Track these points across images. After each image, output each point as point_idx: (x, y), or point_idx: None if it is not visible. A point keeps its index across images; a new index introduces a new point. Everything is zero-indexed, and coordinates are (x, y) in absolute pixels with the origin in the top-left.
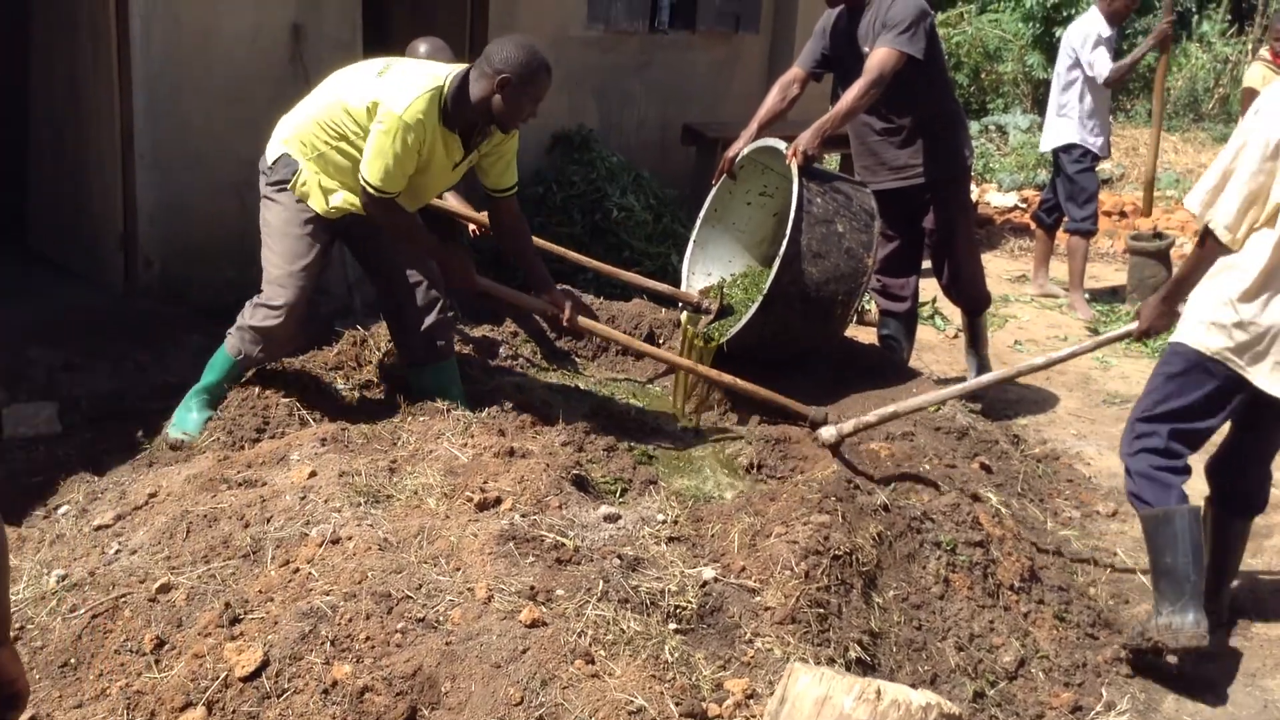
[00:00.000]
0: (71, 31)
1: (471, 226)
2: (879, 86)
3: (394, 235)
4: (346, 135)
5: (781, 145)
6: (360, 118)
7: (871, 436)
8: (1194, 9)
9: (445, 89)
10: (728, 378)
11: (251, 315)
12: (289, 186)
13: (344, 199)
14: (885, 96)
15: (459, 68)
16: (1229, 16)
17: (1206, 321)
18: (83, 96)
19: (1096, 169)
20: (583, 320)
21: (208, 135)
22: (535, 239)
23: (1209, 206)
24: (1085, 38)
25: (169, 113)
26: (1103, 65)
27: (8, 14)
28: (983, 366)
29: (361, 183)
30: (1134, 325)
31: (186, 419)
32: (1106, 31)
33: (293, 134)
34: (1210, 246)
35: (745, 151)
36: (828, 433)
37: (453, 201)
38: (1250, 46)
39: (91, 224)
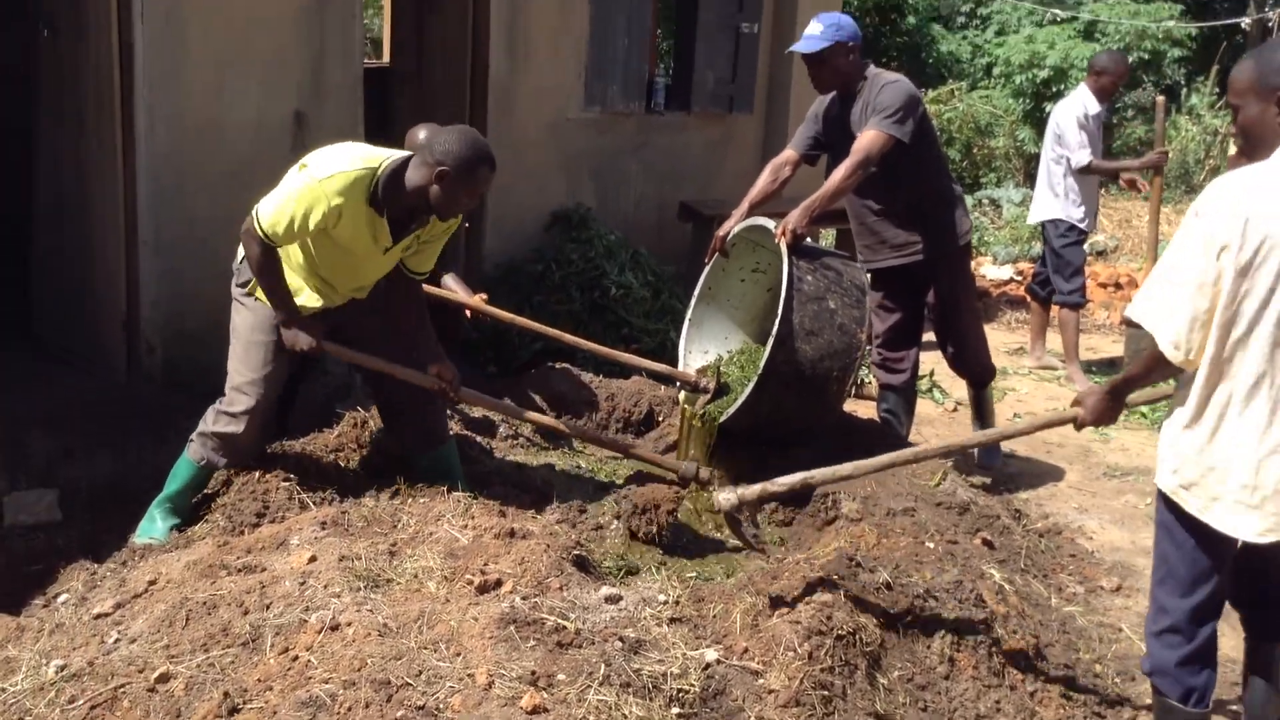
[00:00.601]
0: (77, 122)
1: (467, 310)
2: (865, 168)
3: (251, 268)
4: None
5: (771, 224)
6: None
7: (872, 513)
8: (1183, 82)
9: (379, 172)
10: (597, 436)
11: (213, 422)
12: (248, 289)
13: (307, 298)
14: (881, 178)
15: (399, 154)
16: (1216, 89)
17: (1163, 457)
18: (88, 185)
19: (1085, 242)
20: (466, 393)
21: (211, 221)
22: (532, 322)
23: (1154, 316)
24: (1070, 120)
25: (172, 200)
26: (1082, 154)
27: (12, 104)
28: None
29: (253, 212)
30: (1077, 411)
31: (151, 528)
32: (1095, 108)
33: None
34: (1156, 357)
35: (736, 230)
36: (725, 498)
37: (450, 283)
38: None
39: (94, 310)
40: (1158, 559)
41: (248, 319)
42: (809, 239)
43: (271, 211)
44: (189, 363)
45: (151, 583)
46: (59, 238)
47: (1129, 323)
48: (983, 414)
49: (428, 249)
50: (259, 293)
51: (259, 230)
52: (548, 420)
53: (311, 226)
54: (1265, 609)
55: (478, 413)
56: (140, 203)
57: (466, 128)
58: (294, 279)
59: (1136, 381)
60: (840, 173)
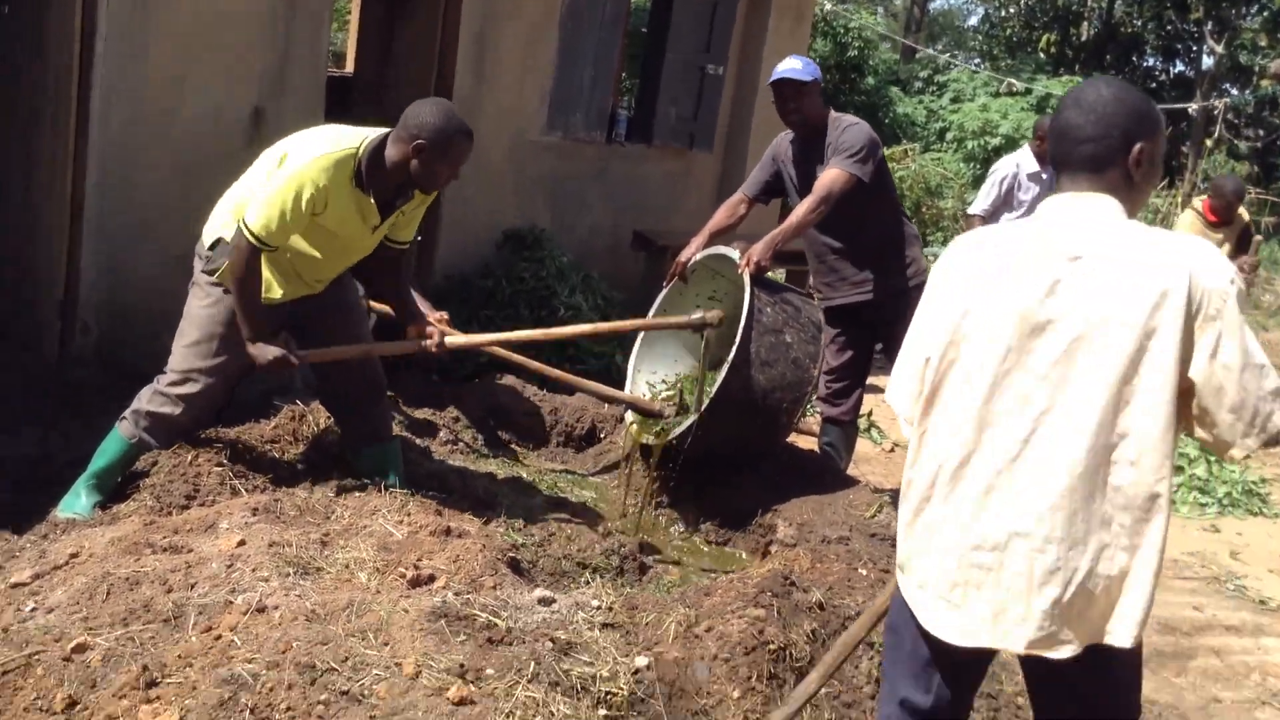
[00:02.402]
0: (29, 100)
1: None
2: (827, 204)
3: (231, 286)
4: None
5: (734, 253)
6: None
7: (807, 539)
8: None
9: (360, 152)
10: (556, 372)
11: (148, 400)
12: (217, 276)
13: (272, 286)
14: (840, 217)
15: (378, 131)
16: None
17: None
18: (35, 161)
19: None
20: (451, 341)
21: (159, 208)
22: (508, 352)
23: (890, 389)
24: (995, 172)
25: (121, 184)
26: (977, 204)
27: None
28: None
29: (239, 223)
30: None
31: (75, 503)
32: (1031, 167)
33: (228, 216)
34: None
35: (698, 257)
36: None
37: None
38: (1179, 201)
39: (32, 289)
40: (885, 638)
41: (210, 308)
42: (768, 274)
43: (260, 213)
44: (123, 345)
45: (73, 556)
46: (3, 220)
47: None
48: None
49: (409, 221)
50: (227, 281)
51: (250, 237)
52: (537, 366)
53: (304, 211)
54: None
55: (420, 414)
56: (88, 184)
57: (441, 100)
58: (283, 266)
59: None
60: (802, 208)
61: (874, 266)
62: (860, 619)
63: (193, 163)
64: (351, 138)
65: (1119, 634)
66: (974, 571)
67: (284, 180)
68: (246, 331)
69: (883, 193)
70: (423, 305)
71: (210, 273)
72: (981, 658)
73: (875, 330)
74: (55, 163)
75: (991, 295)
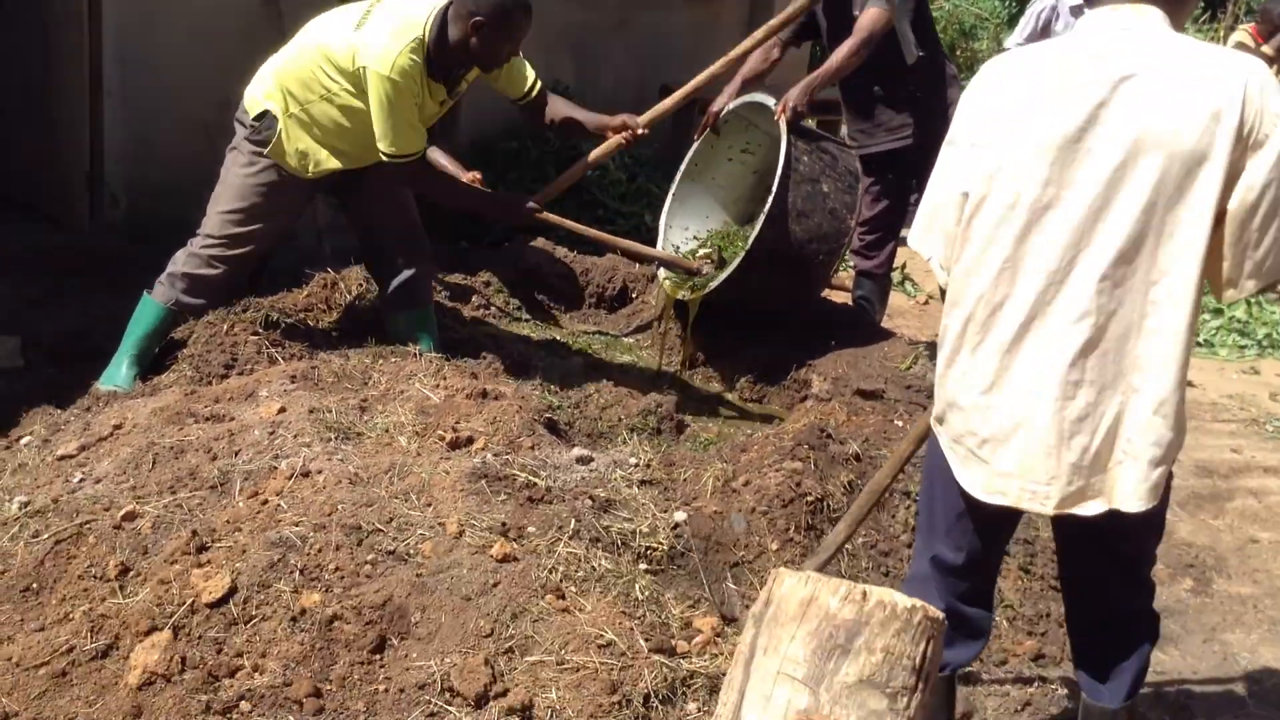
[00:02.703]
0: None
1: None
2: (868, 46)
3: (441, 199)
4: (329, 87)
5: (769, 101)
6: (343, 66)
7: (842, 393)
8: None
9: (426, 37)
10: (593, 232)
11: (184, 263)
12: (266, 150)
13: (325, 160)
14: (878, 59)
15: (436, 9)
16: (1202, 3)
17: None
18: (52, 37)
19: None
20: (645, 119)
21: (179, 74)
22: (565, 220)
23: (917, 232)
24: (1034, 7)
25: (139, 51)
26: (1015, 38)
27: None
28: None
29: (384, 158)
30: None
31: (116, 375)
32: (1073, 1)
33: (274, 86)
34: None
35: (731, 106)
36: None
37: (440, 159)
38: (1223, 33)
39: (58, 163)
40: (919, 505)
41: (249, 176)
42: (804, 121)
43: (390, 137)
44: (154, 216)
45: (117, 427)
46: (23, 92)
47: None
48: None
49: (513, 73)
50: (278, 153)
51: (401, 160)
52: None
53: (415, 104)
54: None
55: (451, 279)
56: (105, 52)
57: None
58: (313, 144)
59: None
60: (843, 50)
61: (913, 110)
62: (885, 466)
63: (209, 27)
64: (414, 21)
65: (1138, 496)
66: (1003, 424)
67: (382, 94)
68: (495, 213)
69: (923, 31)
70: (453, 166)
71: (258, 143)
72: (1013, 514)
73: (911, 179)
74: (70, 28)
75: (1027, 124)
